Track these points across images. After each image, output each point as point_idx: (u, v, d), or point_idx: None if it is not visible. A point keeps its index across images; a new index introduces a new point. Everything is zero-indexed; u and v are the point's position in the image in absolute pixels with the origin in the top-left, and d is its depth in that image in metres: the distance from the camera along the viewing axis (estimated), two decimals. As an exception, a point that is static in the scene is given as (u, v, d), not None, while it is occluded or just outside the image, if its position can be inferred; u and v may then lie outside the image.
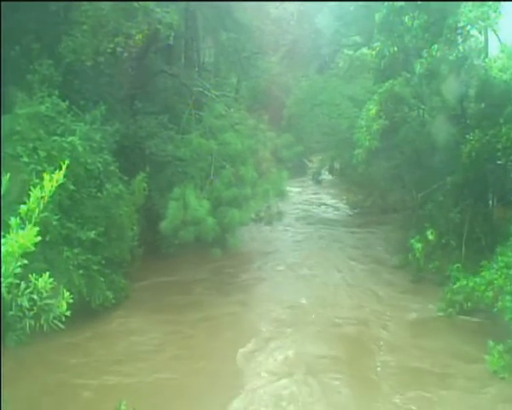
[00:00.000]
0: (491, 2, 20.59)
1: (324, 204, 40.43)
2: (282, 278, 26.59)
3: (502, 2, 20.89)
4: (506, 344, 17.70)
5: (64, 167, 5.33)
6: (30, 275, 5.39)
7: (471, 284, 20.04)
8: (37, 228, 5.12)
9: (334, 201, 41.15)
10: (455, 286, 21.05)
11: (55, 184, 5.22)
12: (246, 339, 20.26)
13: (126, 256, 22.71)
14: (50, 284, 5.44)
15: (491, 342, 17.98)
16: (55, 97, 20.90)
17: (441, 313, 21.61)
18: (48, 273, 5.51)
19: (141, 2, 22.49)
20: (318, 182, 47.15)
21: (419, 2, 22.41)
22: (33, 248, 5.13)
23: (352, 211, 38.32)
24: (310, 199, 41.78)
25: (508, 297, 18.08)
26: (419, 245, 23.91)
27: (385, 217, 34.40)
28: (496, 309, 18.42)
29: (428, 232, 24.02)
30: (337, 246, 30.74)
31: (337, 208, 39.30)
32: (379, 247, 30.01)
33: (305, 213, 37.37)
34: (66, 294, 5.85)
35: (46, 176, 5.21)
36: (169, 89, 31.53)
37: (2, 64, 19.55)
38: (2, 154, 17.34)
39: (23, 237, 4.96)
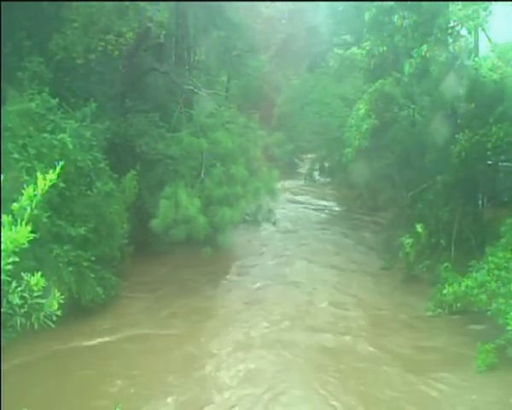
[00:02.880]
0: (480, 2, 20.64)
1: (314, 203, 40.40)
2: (270, 274, 26.62)
3: (491, 2, 20.94)
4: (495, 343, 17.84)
5: (58, 167, 5.33)
6: (21, 273, 5.39)
7: (463, 287, 20.01)
8: (29, 226, 5.12)
9: (323, 199, 41.13)
10: (447, 290, 20.99)
11: (48, 184, 5.23)
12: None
13: (116, 254, 22.70)
14: (42, 283, 5.45)
15: (479, 344, 18.16)
16: (46, 94, 20.86)
17: (430, 313, 21.70)
18: (40, 272, 5.51)
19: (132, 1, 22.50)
20: (309, 181, 47.18)
21: (409, 2, 22.44)
22: (26, 245, 5.15)
23: (342, 210, 38.35)
24: (299, 198, 41.75)
25: (501, 300, 18.13)
26: (409, 241, 23.90)
27: (375, 216, 34.46)
28: (489, 312, 18.46)
29: (418, 226, 24.01)
30: (324, 245, 30.73)
31: (326, 207, 39.30)
32: (367, 246, 29.97)
33: (294, 213, 37.31)
34: (57, 293, 5.85)
35: (39, 175, 5.21)
36: (160, 87, 31.51)
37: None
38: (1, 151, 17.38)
39: (17, 233, 4.97)
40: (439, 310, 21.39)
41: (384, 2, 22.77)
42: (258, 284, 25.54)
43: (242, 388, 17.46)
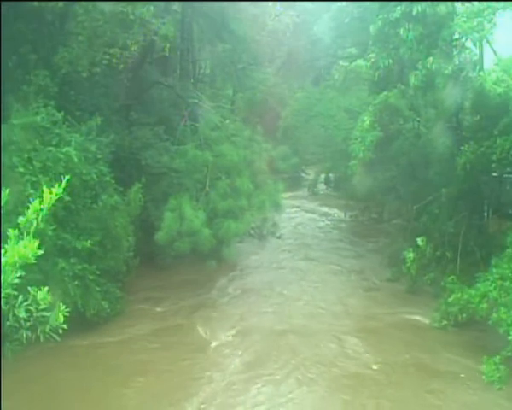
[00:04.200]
0: (485, 13, 20.62)
1: (319, 216, 40.34)
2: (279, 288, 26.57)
3: (496, 14, 20.92)
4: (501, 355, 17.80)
5: (64, 181, 5.34)
6: (27, 286, 5.39)
7: (466, 295, 20.07)
8: (36, 240, 5.12)
9: (328, 212, 41.06)
10: (450, 299, 21.06)
11: (54, 198, 5.23)
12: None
13: (122, 267, 22.68)
14: (49, 298, 5.45)
15: (485, 357, 18.13)
16: (51, 108, 20.90)
17: (436, 325, 21.65)
18: (47, 287, 5.51)
19: (137, 14, 22.52)
20: (314, 193, 47.12)
21: (414, 13, 22.42)
22: (33, 260, 5.15)
23: (347, 222, 38.28)
24: (305, 210, 41.68)
25: (502, 309, 18.11)
26: (411, 255, 23.87)
27: (380, 229, 34.38)
28: (490, 321, 18.43)
29: (419, 240, 23.98)
30: (329, 258, 30.67)
31: (331, 220, 39.23)
32: (373, 259, 29.89)
33: (298, 226, 37.25)
34: (63, 307, 5.85)
35: (46, 189, 5.22)
36: (164, 100, 31.57)
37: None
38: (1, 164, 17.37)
39: (24, 247, 4.96)
40: (445, 322, 21.37)
41: (390, 15, 22.72)
42: (267, 291, 25.82)
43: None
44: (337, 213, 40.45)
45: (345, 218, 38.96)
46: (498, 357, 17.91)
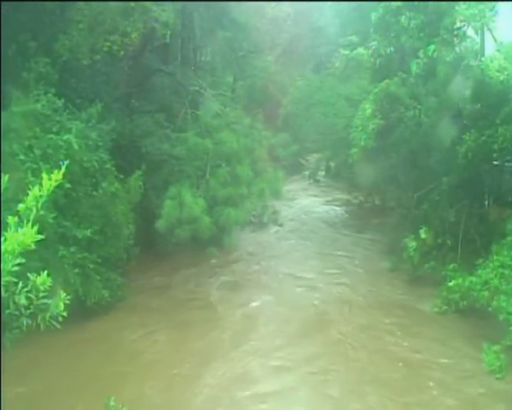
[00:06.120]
0: (487, 1, 20.56)
1: (319, 204, 40.29)
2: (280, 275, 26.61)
3: (498, 2, 20.85)
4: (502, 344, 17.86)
5: (63, 167, 5.32)
6: (27, 274, 5.38)
7: (467, 282, 20.16)
8: (35, 227, 5.12)
9: (329, 200, 40.99)
10: (450, 284, 21.17)
11: (53, 184, 5.22)
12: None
13: (122, 255, 22.70)
14: (49, 282, 5.44)
15: (485, 344, 18.19)
16: (51, 95, 20.86)
17: (436, 310, 21.75)
18: (46, 272, 5.51)
19: (138, 2, 22.48)
20: (314, 181, 47.03)
21: (415, 3, 22.37)
22: (33, 247, 5.14)
23: (347, 211, 38.22)
24: (305, 199, 41.63)
25: (503, 297, 18.16)
26: (413, 243, 23.89)
27: (381, 217, 34.33)
28: (490, 308, 18.50)
29: (422, 230, 23.99)
30: (330, 246, 30.68)
31: (332, 208, 39.17)
32: (373, 247, 29.89)
33: (300, 213, 37.22)
34: (63, 294, 5.84)
35: (45, 175, 5.20)
36: (165, 88, 31.53)
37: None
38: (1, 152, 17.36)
39: (23, 234, 4.96)
40: (446, 307, 21.46)
41: (392, 2, 22.67)
42: (265, 281, 25.86)
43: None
44: (335, 203, 40.38)
45: (344, 206, 38.97)
46: (498, 346, 17.96)
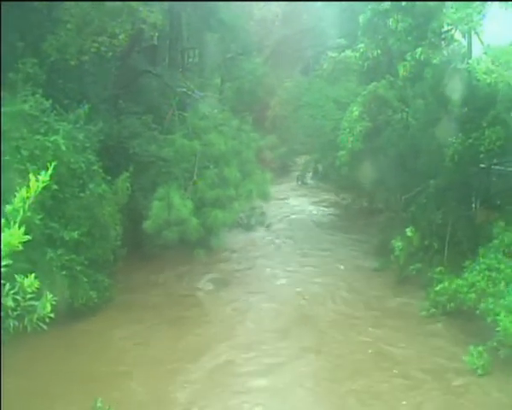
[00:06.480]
0: (475, 5, 20.62)
1: (307, 206, 40.26)
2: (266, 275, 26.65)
3: (485, 5, 20.90)
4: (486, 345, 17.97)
5: (51, 169, 5.30)
6: (14, 275, 5.36)
7: (454, 285, 20.25)
8: (22, 228, 5.10)
9: (316, 202, 40.97)
10: (437, 288, 21.24)
11: (41, 185, 5.20)
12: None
13: (109, 257, 22.64)
14: (36, 284, 5.43)
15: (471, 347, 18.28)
16: (39, 96, 20.82)
17: (424, 313, 21.78)
18: (33, 274, 5.49)
19: (125, 2, 22.45)
20: (302, 183, 46.99)
21: (403, 4, 22.41)
22: (20, 248, 5.13)
23: (335, 213, 38.20)
24: (293, 200, 41.61)
25: (490, 299, 18.25)
26: (399, 243, 23.94)
27: (368, 219, 34.35)
28: (478, 311, 18.59)
29: (408, 229, 24.04)
30: (317, 248, 30.69)
31: (319, 210, 39.15)
32: (360, 250, 29.92)
33: (287, 216, 37.18)
34: (50, 296, 5.83)
35: (32, 177, 5.19)
36: (153, 89, 31.50)
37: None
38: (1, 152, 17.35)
39: (11, 235, 4.94)
40: (433, 310, 21.51)
41: (380, 4, 22.72)
42: (252, 287, 25.84)
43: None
44: (323, 205, 40.37)
45: (331, 209, 38.98)
46: (482, 347, 18.05)
